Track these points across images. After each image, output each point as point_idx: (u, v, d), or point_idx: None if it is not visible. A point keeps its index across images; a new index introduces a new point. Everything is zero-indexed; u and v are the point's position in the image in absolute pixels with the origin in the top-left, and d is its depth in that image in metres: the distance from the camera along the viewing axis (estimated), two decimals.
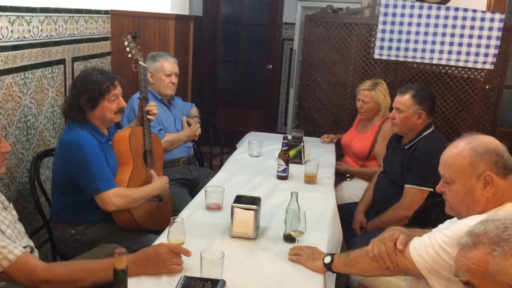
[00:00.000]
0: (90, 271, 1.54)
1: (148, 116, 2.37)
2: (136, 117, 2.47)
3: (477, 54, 3.64)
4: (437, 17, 3.67)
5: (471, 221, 1.28)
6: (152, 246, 1.65)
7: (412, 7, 3.72)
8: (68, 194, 2.15)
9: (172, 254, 1.58)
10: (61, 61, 2.88)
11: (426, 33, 3.71)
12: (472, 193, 1.43)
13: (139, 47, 2.45)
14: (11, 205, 1.75)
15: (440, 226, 1.56)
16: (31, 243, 1.76)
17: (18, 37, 2.45)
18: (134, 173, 2.24)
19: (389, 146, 2.70)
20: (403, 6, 3.73)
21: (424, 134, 2.44)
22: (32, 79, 2.59)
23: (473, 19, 3.60)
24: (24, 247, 1.70)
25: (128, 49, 2.41)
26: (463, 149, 1.46)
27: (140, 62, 2.42)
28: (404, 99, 2.46)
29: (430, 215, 2.25)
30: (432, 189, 2.31)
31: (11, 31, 2.39)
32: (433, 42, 3.71)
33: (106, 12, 3.41)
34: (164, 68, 2.89)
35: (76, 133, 2.10)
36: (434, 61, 3.74)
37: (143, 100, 2.38)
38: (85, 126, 2.13)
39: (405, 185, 2.39)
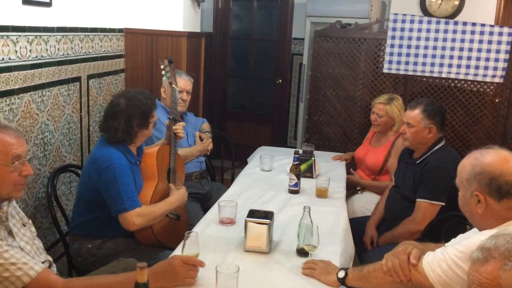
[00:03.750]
0: (108, 286, 1.57)
1: (178, 134, 2.49)
2: (165, 136, 2.58)
3: (486, 68, 3.66)
4: (446, 31, 3.71)
5: (483, 236, 1.30)
6: (167, 259, 1.68)
7: (421, 21, 3.76)
8: (92, 209, 2.19)
9: (186, 267, 1.60)
10: (77, 79, 2.95)
11: (434, 47, 3.75)
12: (468, 205, 1.50)
13: (173, 71, 2.58)
14: (30, 221, 1.79)
15: (452, 240, 1.57)
16: (50, 258, 1.80)
17: (36, 56, 2.52)
18: (158, 189, 2.30)
19: (400, 160, 2.72)
20: (412, 21, 3.78)
21: (435, 148, 2.46)
22: (49, 96, 2.66)
23: (482, 33, 3.63)
24: (43, 262, 1.74)
25: (163, 72, 2.54)
26: (468, 164, 1.51)
27: (173, 85, 2.55)
28: (414, 114, 2.48)
29: (442, 229, 2.26)
30: (443, 203, 2.32)
31: (30, 50, 2.46)
32: (442, 56, 3.74)
33: (120, 30, 3.50)
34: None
35: (108, 151, 2.14)
36: (443, 75, 3.77)
37: (172, 120, 2.48)
38: (118, 145, 2.18)
39: (417, 199, 2.40)
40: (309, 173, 2.93)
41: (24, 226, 1.74)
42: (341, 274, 1.68)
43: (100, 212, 2.17)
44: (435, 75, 3.79)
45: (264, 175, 2.99)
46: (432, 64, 3.78)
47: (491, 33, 3.62)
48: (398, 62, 3.85)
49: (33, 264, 1.52)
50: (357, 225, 2.71)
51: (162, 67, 2.54)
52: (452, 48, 3.71)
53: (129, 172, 2.15)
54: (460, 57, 3.71)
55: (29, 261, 1.52)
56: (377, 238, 2.62)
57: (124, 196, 2.08)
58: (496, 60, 3.63)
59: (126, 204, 2.08)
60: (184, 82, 2.99)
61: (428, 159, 2.43)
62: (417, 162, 2.48)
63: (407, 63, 3.83)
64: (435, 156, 2.42)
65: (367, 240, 2.64)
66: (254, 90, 5.83)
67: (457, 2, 3.94)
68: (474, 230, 1.58)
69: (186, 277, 1.60)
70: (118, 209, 2.08)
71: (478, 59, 3.68)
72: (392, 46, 3.84)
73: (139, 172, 2.30)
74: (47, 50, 2.61)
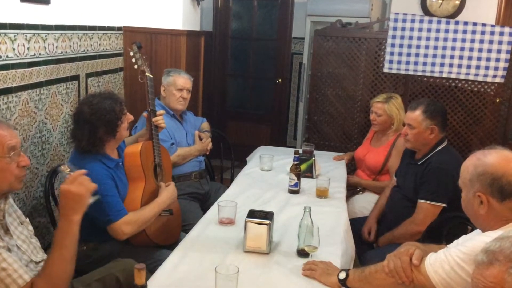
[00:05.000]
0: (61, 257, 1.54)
1: (160, 125, 2.37)
2: (145, 127, 2.44)
3: (487, 68, 3.65)
4: (446, 31, 3.69)
5: (486, 237, 1.29)
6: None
7: (421, 21, 3.75)
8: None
9: (74, 184, 1.55)
10: (75, 77, 2.93)
11: (435, 47, 3.74)
12: (471, 206, 1.49)
13: (144, 57, 2.42)
14: (27, 220, 1.77)
15: (455, 242, 1.56)
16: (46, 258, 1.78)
17: (34, 54, 2.50)
18: (146, 190, 2.23)
19: (402, 160, 2.70)
20: (412, 21, 3.76)
21: (437, 149, 2.44)
22: (47, 95, 2.64)
23: (483, 33, 3.62)
24: (39, 262, 1.71)
25: (134, 59, 2.38)
26: (470, 164, 1.50)
27: (146, 73, 2.37)
28: (415, 115, 2.46)
29: (443, 229, 2.25)
30: (445, 205, 2.30)
31: (28, 48, 2.44)
32: (443, 56, 3.73)
33: (119, 28, 3.48)
34: (176, 83, 2.92)
35: (82, 163, 1.98)
36: (444, 75, 3.76)
37: (150, 112, 2.35)
38: (94, 153, 2.07)
39: (418, 200, 2.38)
40: (309, 173, 2.91)
41: (22, 224, 1.72)
42: (342, 275, 1.66)
43: (88, 220, 2.05)
44: (436, 75, 3.77)
45: (264, 175, 2.97)
46: (433, 64, 3.76)
47: (492, 33, 3.60)
48: (399, 62, 3.83)
49: (23, 272, 1.48)
50: (357, 225, 2.70)
51: (131, 54, 2.36)
52: (453, 48, 3.70)
53: (107, 180, 2.05)
54: (461, 57, 3.69)
55: (20, 268, 1.48)
56: (375, 230, 2.61)
57: (107, 208, 1.99)
58: (497, 60, 3.62)
59: (111, 216, 1.99)
60: (184, 80, 2.96)
61: (430, 160, 2.41)
62: (419, 163, 2.46)
63: (407, 62, 3.81)
64: (437, 157, 2.40)
65: (365, 230, 2.62)
66: (253, 90, 5.81)
67: (458, 2, 3.92)
68: (477, 231, 1.56)
69: (83, 187, 1.55)
70: (104, 221, 2.01)
71: (479, 59, 3.66)
72: (392, 45, 3.82)
73: (123, 175, 2.20)
74: (45, 48, 2.59)
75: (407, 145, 2.56)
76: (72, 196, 1.55)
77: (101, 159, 2.09)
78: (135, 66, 2.39)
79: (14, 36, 2.33)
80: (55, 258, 1.53)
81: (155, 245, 2.24)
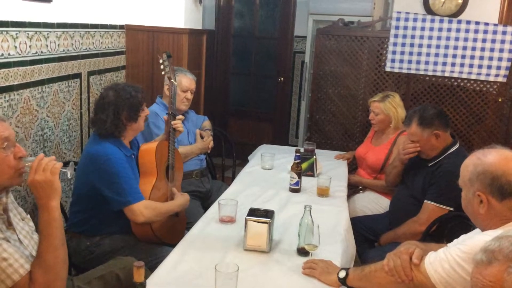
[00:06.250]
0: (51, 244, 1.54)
1: (178, 129, 2.46)
2: (164, 131, 2.55)
3: (489, 67, 3.64)
4: (449, 30, 3.68)
5: (486, 237, 1.28)
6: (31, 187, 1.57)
7: (424, 20, 3.74)
8: (88, 206, 2.16)
9: (38, 170, 1.53)
10: (77, 75, 2.94)
11: (438, 46, 3.73)
12: (471, 205, 1.49)
13: (172, 66, 2.54)
14: (28, 216, 1.78)
15: (455, 240, 1.55)
16: None
17: (36, 52, 2.51)
18: (156, 185, 2.28)
19: (410, 159, 2.69)
20: (415, 19, 3.75)
21: (449, 151, 2.42)
22: (49, 93, 2.65)
23: (485, 32, 3.61)
24: None
25: (162, 66, 2.50)
26: (470, 163, 1.50)
27: (172, 80, 2.50)
28: (413, 130, 2.46)
29: (444, 229, 2.24)
30: (452, 208, 2.29)
31: (30, 46, 2.45)
32: (445, 55, 3.72)
33: (121, 27, 3.48)
34: (182, 83, 2.92)
35: (103, 146, 2.12)
36: (446, 74, 3.75)
37: (170, 116, 2.45)
38: (111, 139, 2.16)
39: (425, 201, 2.36)
40: (310, 171, 2.91)
41: (23, 220, 1.72)
42: (342, 274, 1.66)
43: (97, 209, 2.14)
44: (438, 74, 3.77)
45: (265, 173, 2.97)
46: (435, 63, 3.75)
47: (494, 32, 3.59)
48: (401, 61, 3.82)
49: (24, 262, 1.49)
50: (358, 224, 2.70)
51: (160, 61, 2.49)
52: (455, 47, 3.69)
53: (126, 165, 2.13)
54: (463, 56, 3.68)
55: (21, 257, 1.49)
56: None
57: (128, 189, 2.06)
58: (500, 59, 3.61)
59: (131, 197, 2.06)
60: (189, 81, 2.97)
61: (442, 162, 2.40)
62: (430, 164, 2.45)
63: (410, 61, 3.81)
64: (449, 160, 2.38)
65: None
66: (255, 88, 5.81)
67: (460, 1, 3.90)
68: (477, 230, 1.56)
69: (48, 172, 1.53)
70: (122, 202, 2.06)
71: (481, 58, 3.65)
72: (395, 44, 3.81)
73: (135, 166, 2.28)
74: (47, 46, 2.60)
75: (422, 156, 2.53)
76: (41, 185, 1.54)
77: (118, 146, 2.17)
78: (163, 73, 2.52)
79: (16, 34, 2.33)
80: (44, 247, 1.54)
81: (158, 242, 2.26)
